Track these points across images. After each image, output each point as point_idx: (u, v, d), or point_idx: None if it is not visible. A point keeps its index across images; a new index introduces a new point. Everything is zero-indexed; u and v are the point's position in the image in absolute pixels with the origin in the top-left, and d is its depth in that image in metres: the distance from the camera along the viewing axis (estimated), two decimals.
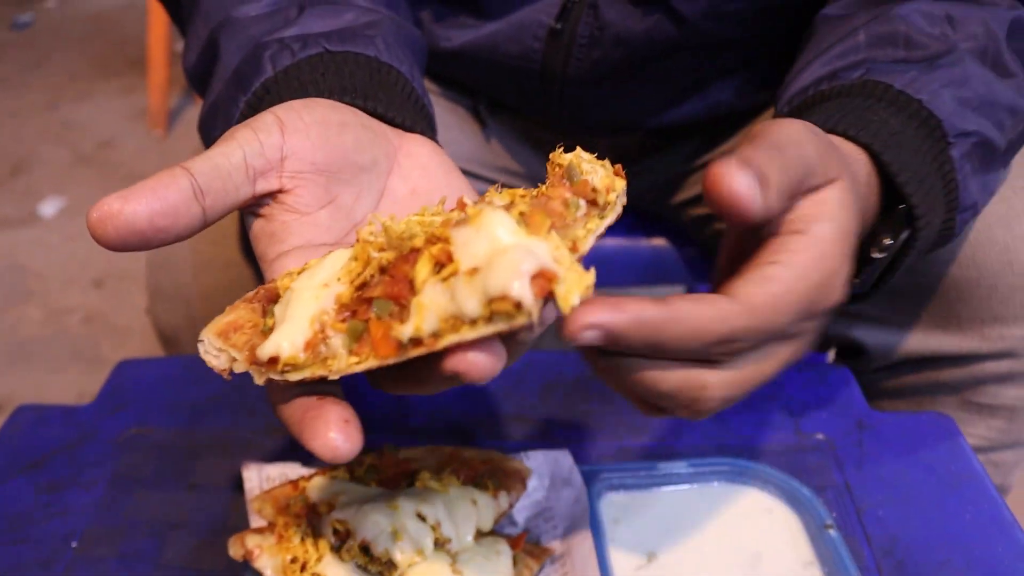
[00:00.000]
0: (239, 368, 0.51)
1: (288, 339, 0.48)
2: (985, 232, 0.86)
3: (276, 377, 0.49)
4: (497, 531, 0.73)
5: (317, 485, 0.71)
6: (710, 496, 0.77)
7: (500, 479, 0.74)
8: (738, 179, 0.49)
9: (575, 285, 0.42)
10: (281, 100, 0.68)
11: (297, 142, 0.59)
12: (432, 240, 0.46)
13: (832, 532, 0.74)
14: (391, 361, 0.46)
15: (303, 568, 0.66)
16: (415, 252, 0.46)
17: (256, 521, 0.73)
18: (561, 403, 0.87)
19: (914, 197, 0.64)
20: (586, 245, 0.48)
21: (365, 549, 0.65)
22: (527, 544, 0.72)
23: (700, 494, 0.78)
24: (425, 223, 0.49)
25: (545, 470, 0.77)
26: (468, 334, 0.43)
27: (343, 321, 0.48)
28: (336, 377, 0.48)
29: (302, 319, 0.48)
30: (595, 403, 0.87)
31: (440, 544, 0.68)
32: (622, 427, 0.84)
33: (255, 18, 0.74)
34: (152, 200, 0.50)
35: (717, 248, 1.14)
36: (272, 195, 0.59)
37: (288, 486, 0.73)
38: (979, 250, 0.87)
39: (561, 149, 0.53)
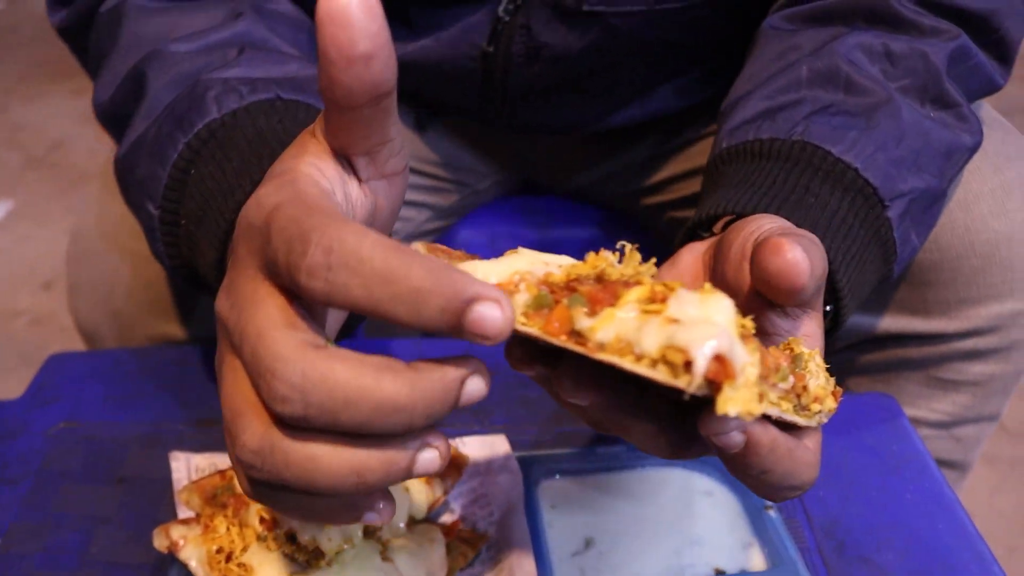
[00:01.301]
0: None
1: (485, 271, 0.49)
2: (946, 215, 0.86)
3: None
4: (432, 519, 0.72)
5: None
6: (649, 480, 0.76)
7: None
8: (797, 251, 0.51)
9: (743, 402, 0.42)
10: (231, 144, 0.66)
11: None
12: (660, 284, 0.46)
13: (772, 513, 0.73)
14: (549, 339, 0.46)
15: (228, 558, 0.64)
16: (638, 283, 0.46)
17: (184, 512, 0.71)
18: (499, 389, 0.85)
19: (842, 282, 0.65)
20: (767, 408, 0.48)
21: (292, 537, 0.63)
22: (462, 531, 0.71)
23: (639, 478, 0.76)
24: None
25: (481, 456, 0.76)
26: (626, 363, 0.43)
27: (538, 288, 0.48)
28: None
29: (508, 267, 0.49)
30: (533, 389, 0.85)
31: (370, 532, 0.66)
32: (561, 413, 0.83)
33: (188, 54, 0.72)
34: None
35: (671, 236, 1.15)
36: None
37: (216, 476, 0.71)
38: (941, 233, 0.87)
39: (802, 344, 0.54)
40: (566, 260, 0.51)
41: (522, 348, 0.53)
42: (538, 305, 0.47)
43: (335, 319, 0.54)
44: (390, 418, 0.41)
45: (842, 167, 0.68)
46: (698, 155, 1.09)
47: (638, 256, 0.49)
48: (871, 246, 0.68)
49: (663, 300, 0.44)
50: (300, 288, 0.41)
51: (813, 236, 0.58)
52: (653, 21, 0.91)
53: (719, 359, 0.41)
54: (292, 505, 0.47)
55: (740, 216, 0.65)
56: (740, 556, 0.71)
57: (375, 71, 0.44)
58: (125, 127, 0.74)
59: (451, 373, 0.42)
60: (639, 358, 0.43)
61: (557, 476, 0.76)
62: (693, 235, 0.70)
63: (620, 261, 0.49)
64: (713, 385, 0.41)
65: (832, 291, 0.66)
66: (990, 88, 0.80)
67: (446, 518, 0.73)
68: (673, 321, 0.43)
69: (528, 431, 0.81)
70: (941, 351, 0.93)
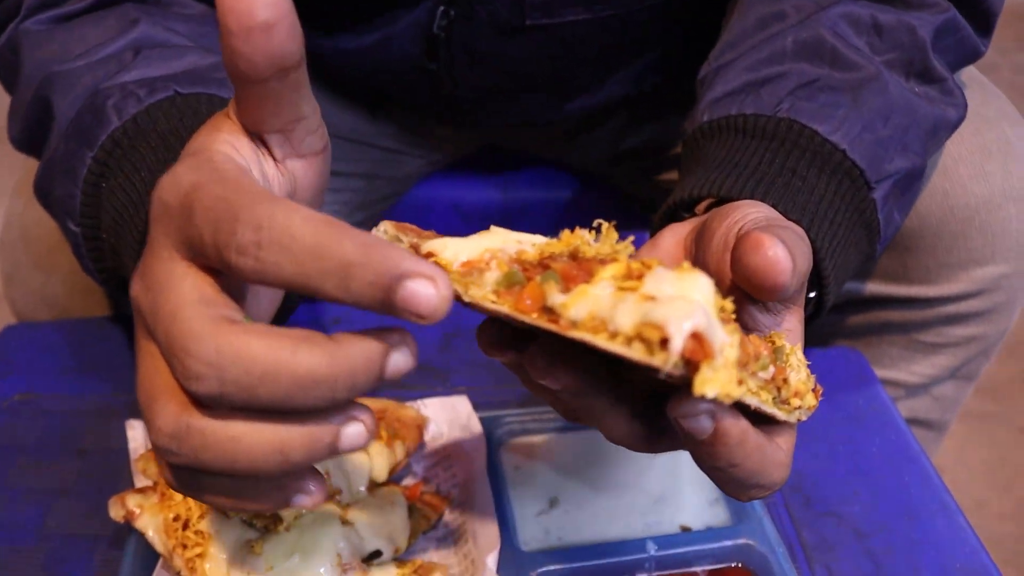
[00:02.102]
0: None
1: (456, 248, 0.48)
2: (924, 181, 0.85)
3: None
4: (395, 481, 0.71)
5: None
6: None
7: (395, 428, 0.71)
8: (779, 249, 0.50)
9: (720, 383, 0.40)
10: (136, 153, 0.64)
11: None
12: (636, 261, 0.45)
13: None
14: (520, 317, 0.44)
15: (185, 526, 0.63)
16: (613, 260, 0.45)
17: (141, 481, 0.70)
18: (462, 350, 0.85)
19: (828, 270, 0.64)
20: (745, 396, 0.46)
21: None
22: (425, 494, 0.70)
23: (603, 438, 0.75)
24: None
25: (443, 417, 0.75)
26: (600, 341, 0.42)
27: (510, 266, 0.47)
28: (465, 299, 0.46)
29: (479, 244, 0.48)
30: None
31: (330, 496, 0.65)
32: None
33: (86, 67, 0.69)
34: None
35: (649, 199, 1.13)
36: None
37: None
38: (921, 199, 0.86)
39: (784, 338, 0.52)
40: (540, 239, 0.49)
41: (493, 331, 0.51)
42: (509, 283, 0.45)
43: (270, 302, 0.52)
44: (311, 392, 0.39)
45: (829, 148, 0.66)
46: (677, 121, 1.07)
47: (615, 234, 0.48)
48: (855, 229, 0.67)
49: (639, 277, 0.43)
50: (229, 267, 0.40)
51: (798, 229, 0.57)
52: (597, 28, 0.90)
53: (697, 337, 0.39)
54: (216, 491, 0.45)
55: (724, 199, 0.64)
56: (706, 513, 0.71)
57: (277, 41, 0.43)
58: (42, 151, 0.72)
59: (373, 345, 0.40)
60: (613, 336, 0.41)
61: (521, 436, 0.76)
62: (673, 215, 0.68)
63: (596, 240, 0.48)
64: (690, 365, 0.40)
65: (817, 278, 0.64)
66: (974, 57, 0.79)
67: (408, 481, 0.72)
68: (649, 298, 0.41)
69: (491, 391, 0.80)
70: (923, 315, 0.92)
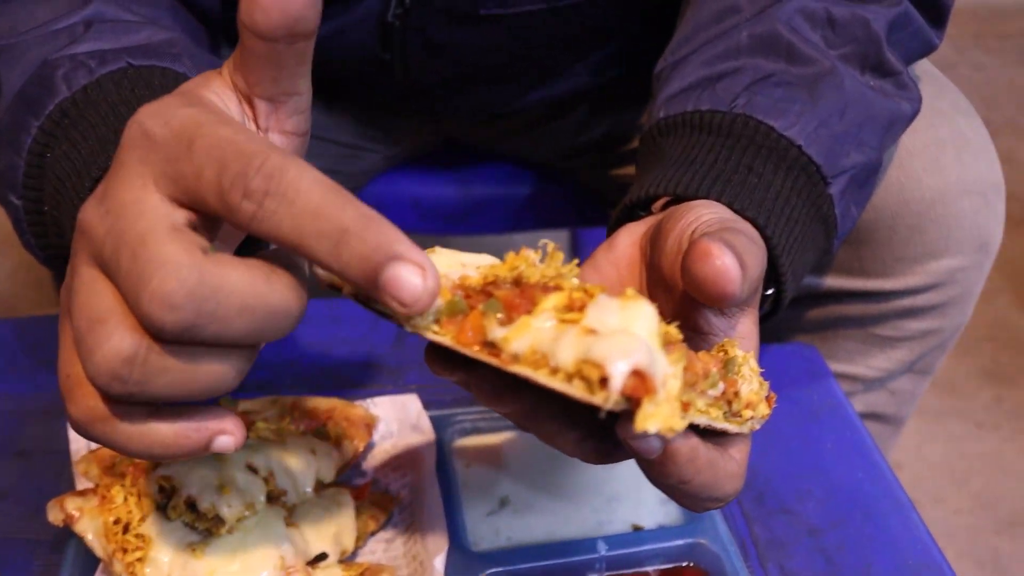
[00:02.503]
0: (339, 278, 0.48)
1: None
2: (880, 175, 0.85)
3: (362, 298, 0.47)
4: (343, 481, 0.70)
5: None
6: None
7: (343, 427, 0.70)
8: (727, 258, 0.49)
9: (663, 418, 0.40)
10: (85, 122, 0.62)
11: None
12: (579, 290, 0.44)
13: None
14: (460, 350, 0.44)
15: (126, 529, 0.61)
16: (557, 288, 0.44)
17: (81, 483, 0.68)
18: (415, 348, 0.83)
19: (785, 266, 0.63)
20: (693, 417, 0.46)
21: (192, 505, 0.61)
22: (373, 494, 0.69)
23: None
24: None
25: (393, 416, 0.74)
26: (540, 376, 0.41)
27: (453, 294, 0.46)
28: (407, 329, 0.46)
29: None
30: None
31: (275, 497, 0.64)
32: None
33: (35, 40, 0.67)
34: None
35: (609, 194, 1.12)
36: None
37: None
38: (876, 194, 0.86)
39: (737, 347, 0.52)
40: (486, 260, 0.49)
41: (440, 352, 0.50)
42: (452, 311, 0.45)
43: None
44: (280, 324, 0.41)
45: (785, 144, 0.65)
46: (636, 114, 1.06)
47: (560, 256, 0.47)
48: (812, 224, 0.66)
49: (581, 308, 0.42)
50: (230, 209, 0.39)
51: (751, 231, 0.57)
52: (554, 18, 0.89)
53: (638, 373, 0.39)
54: (132, 436, 0.44)
55: (680, 198, 0.63)
56: (658, 511, 0.70)
57: (298, 2, 0.43)
58: None
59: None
60: (555, 371, 0.41)
61: (472, 435, 0.75)
62: (631, 213, 0.67)
63: (543, 261, 0.47)
64: (632, 400, 0.40)
65: (774, 275, 0.63)
66: (928, 50, 0.79)
67: (357, 481, 0.71)
68: (591, 332, 0.41)
69: (442, 390, 0.79)
70: (879, 309, 0.92)
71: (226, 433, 0.45)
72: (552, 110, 1.09)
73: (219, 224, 0.45)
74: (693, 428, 0.48)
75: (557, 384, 0.41)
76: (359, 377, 0.80)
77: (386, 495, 0.69)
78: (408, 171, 1.20)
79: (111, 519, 0.62)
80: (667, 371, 0.41)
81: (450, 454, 0.72)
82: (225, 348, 0.41)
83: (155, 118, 0.42)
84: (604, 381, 0.39)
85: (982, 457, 1.89)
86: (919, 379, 1.01)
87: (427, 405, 0.75)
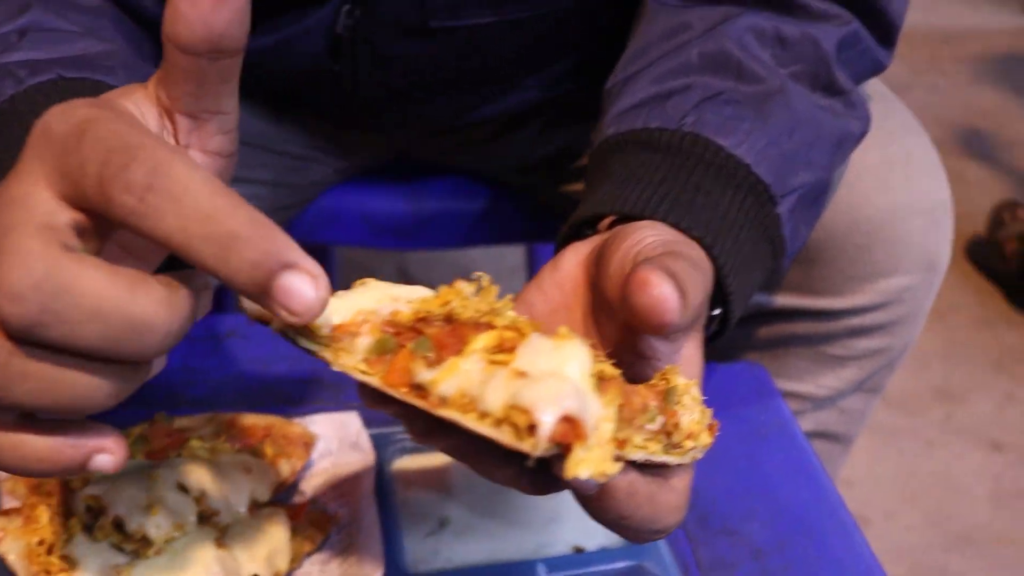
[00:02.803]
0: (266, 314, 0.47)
1: (328, 309, 0.44)
2: (829, 193, 0.85)
3: (290, 334, 0.46)
4: (280, 501, 0.68)
5: None
6: None
7: (281, 446, 0.69)
8: (665, 288, 0.47)
9: (595, 463, 0.39)
10: (9, 134, 0.59)
11: None
12: (511, 328, 0.43)
13: None
14: (389, 392, 0.43)
15: (50, 551, 0.59)
16: (489, 326, 0.43)
17: (9, 503, 0.66)
18: None
19: (732, 287, 0.62)
20: (630, 454, 0.45)
21: (119, 526, 0.59)
22: (311, 514, 0.67)
23: None
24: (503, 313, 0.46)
25: (332, 434, 0.72)
26: (468, 421, 0.40)
27: (382, 331, 0.45)
28: (334, 368, 0.45)
29: (352, 305, 0.46)
30: None
31: (207, 517, 0.62)
32: None
33: None
34: None
35: (561, 208, 1.11)
36: None
37: None
38: (826, 213, 0.85)
39: (679, 375, 0.50)
40: (418, 292, 0.47)
41: (373, 389, 0.49)
42: (381, 350, 0.44)
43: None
44: (142, 339, 0.38)
45: (734, 163, 0.64)
46: (590, 129, 1.06)
47: (494, 290, 0.46)
48: (760, 244, 0.66)
49: (512, 348, 0.41)
50: (110, 202, 0.37)
51: (695, 254, 0.56)
52: (504, 30, 0.87)
53: (568, 420, 0.38)
54: (4, 446, 0.42)
55: (627, 216, 0.62)
56: (600, 533, 0.69)
57: (222, 17, 0.41)
58: None
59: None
60: (483, 416, 0.40)
61: (413, 454, 0.73)
62: (578, 231, 0.66)
63: (477, 292, 0.46)
64: (562, 445, 0.39)
65: (721, 295, 0.63)
66: (876, 70, 0.78)
67: (295, 499, 0.69)
68: (521, 374, 0.40)
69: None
70: (829, 328, 0.92)
71: (106, 452, 0.43)
72: (504, 124, 1.08)
73: (110, 230, 0.43)
74: (631, 462, 0.47)
75: (485, 429, 0.40)
76: (298, 394, 0.79)
77: (324, 515, 0.67)
78: (359, 185, 1.19)
79: (35, 540, 0.60)
80: (599, 414, 0.40)
81: (390, 474, 0.71)
82: (95, 361, 0.39)
83: (57, 116, 0.41)
84: (533, 427, 0.38)
85: (933, 474, 1.90)
86: (869, 397, 1.01)
87: (367, 423, 0.73)
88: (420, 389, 0.42)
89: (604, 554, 0.66)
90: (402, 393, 0.43)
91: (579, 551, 0.67)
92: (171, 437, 0.68)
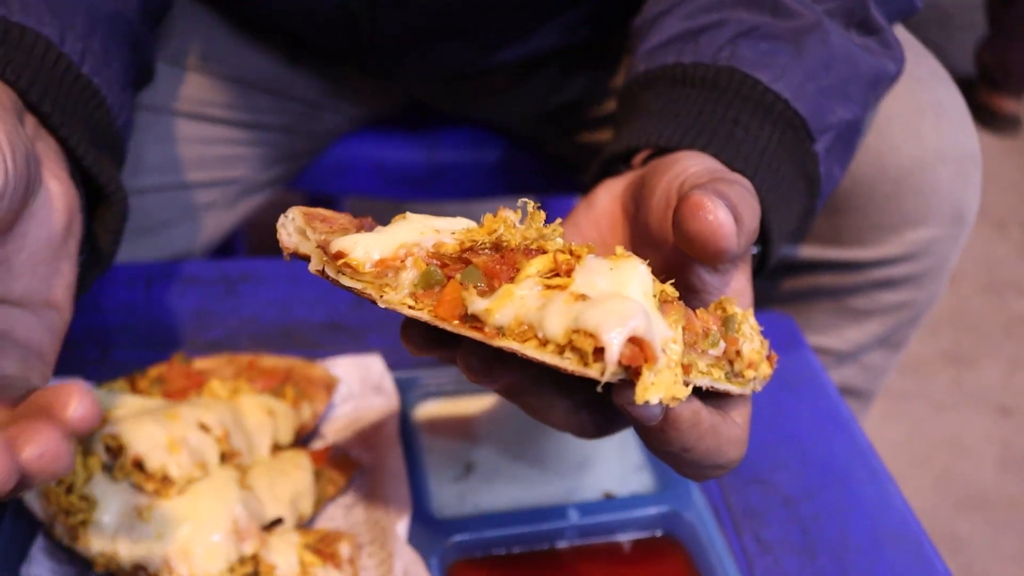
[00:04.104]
0: (304, 248, 0.45)
1: (367, 246, 0.43)
2: (861, 138, 0.82)
3: (331, 273, 0.44)
4: (301, 444, 0.66)
5: None
6: None
7: (302, 388, 0.67)
8: (720, 212, 0.46)
9: (665, 387, 0.37)
10: None
11: None
12: (565, 251, 0.41)
13: None
14: (440, 325, 0.41)
15: (69, 490, 0.58)
16: (541, 251, 0.41)
17: None
18: (377, 309, 0.79)
19: (772, 223, 0.61)
20: (695, 379, 0.43)
21: (140, 465, 0.57)
22: (333, 458, 0.65)
23: None
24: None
25: (354, 377, 0.70)
26: (529, 350, 0.39)
27: (427, 263, 0.42)
28: (380, 305, 0.43)
29: (393, 239, 0.44)
30: None
31: (228, 458, 0.60)
32: None
33: None
34: None
35: (580, 160, 1.09)
36: None
37: None
38: (854, 160, 0.83)
39: (735, 304, 0.49)
40: (461, 223, 0.45)
41: (418, 330, 0.47)
42: (427, 283, 0.42)
43: (64, 278, 0.51)
44: None
45: (771, 97, 0.63)
46: (604, 77, 1.03)
47: (542, 216, 0.43)
48: (798, 181, 0.64)
49: (568, 272, 0.40)
50: None
51: (744, 181, 0.53)
52: None
53: (635, 341, 0.37)
54: None
55: (662, 150, 0.60)
56: (631, 479, 0.67)
57: None
58: None
59: None
60: (544, 344, 0.38)
61: (437, 398, 0.71)
62: (609, 168, 0.64)
63: (522, 221, 0.44)
64: (631, 370, 0.37)
65: (761, 232, 0.60)
66: (911, 11, 0.76)
67: (316, 444, 0.68)
68: (580, 297, 0.38)
69: (405, 351, 0.75)
70: (854, 280, 0.90)
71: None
72: (521, 71, 1.06)
73: None
74: (694, 391, 0.45)
75: (548, 357, 0.38)
76: (318, 337, 0.77)
77: (346, 459, 0.66)
78: (373, 135, 1.16)
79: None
80: (666, 335, 0.39)
81: (414, 418, 0.69)
82: None
83: None
84: (599, 351, 0.37)
85: (942, 438, 1.89)
86: (890, 353, 0.99)
87: (391, 366, 0.72)
88: (474, 320, 0.40)
89: (635, 500, 0.65)
90: (455, 326, 0.40)
91: (609, 497, 0.65)
92: (190, 379, 0.66)
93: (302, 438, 0.67)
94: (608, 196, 0.60)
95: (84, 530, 0.56)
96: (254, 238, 1.43)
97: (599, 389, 0.38)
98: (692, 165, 0.54)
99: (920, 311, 0.94)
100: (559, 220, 0.45)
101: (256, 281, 0.83)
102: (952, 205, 0.86)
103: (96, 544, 0.56)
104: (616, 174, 0.62)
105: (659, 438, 0.45)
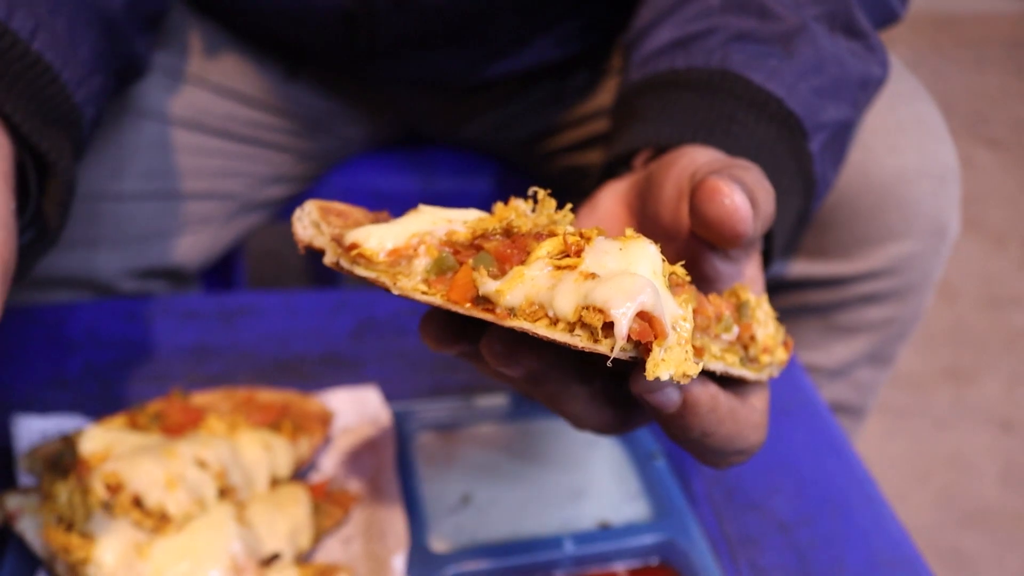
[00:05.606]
0: (318, 242, 0.47)
1: (380, 236, 0.44)
2: (849, 144, 0.84)
3: (345, 265, 0.45)
4: (298, 478, 0.67)
5: (90, 436, 0.63)
6: (530, 432, 0.72)
7: (299, 422, 0.67)
8: (737, 196, 0.47)
9: (675, 363, 0.37)
10: None
11: None
12: (575, 233, 0.41)
13: (659, 462, 0.70)
14: (453, 308, 0.41)
15: (69, 528, 0.58)
16: (551, 234, 0.41)
17: (26, 480, 0.64)
18: (375, 341, 0.81)
19: (775, 218, 0.60)
20: (709, 363, 0.44)
21: (139, 503, 0.58)
22: (331, 491, 0.66)
23: (520, 431, 0.72)
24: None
25: (351, 410, 0.71)
26: (539, 329, 0.39)
27: (440, 251, 0.43)
28: (394, 292, 0.43)
29: (406, 229, 0.45)
30: (411, 339, 0.81)
31: (226, 494, 0.61)
32: (438, 363, 0.78)
33: None
34: None
35: (570, 182, 1.10)
36: None
37: (61, 441, 0.65)
38: (840, 173, 0.84)
39: (748, 291, 0.50)
40: (473, 214, 0.46)
41: (438, 324, 0.47)
42: (440, 269, 0.42)
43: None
44: None
45: (765, 96, 0.64)
46: (595, 96, 1.04)
47: (552, 203, 0.44)
48: (795, 179, 0.65)
49: (578, 253, 0.40)
50: None
51: (756, 168, 0.54)
52: None
53: (644, 316, 0.37)
54: None
55: (663, 150, 0.61)
56: (627, 508, 0.68)
57: None
58: None
59: None
60: (555, 322, 0.38)
61: (433, 429, 0.72)
62: (610, 172, 0.65)
63: (534, 211, 0.44)
64: (641, 346, 0.37)
65: None
66: (891, 18, 0.78)
67: (314, 477, 0.68)
68: (590, 276, 0.38)
69: (404, 383, 0.76)
70: (840, 295, 0.91)
71: None
72: (515, 87, 1.07)
73: None
74: (710, 376, 0.45)
75: (558, 335, 0.38)
76: (316, 370, 0.77)
77: (344, 492, 0.66)
78: (369, 162, 1.17)
79: (53, 517, 0.59)
80: (676, 313, 0.39)
81: (411, 449, 0.70)
82: None
83: None
84: (609, 327, 0.37)
85: (943, 454, 1.89)
86: (879, 369, 1.00)
87: (387, 398, 0.72)
88: (486, 303, 0.40)
89: (631, 529, 0.65)
90: (467, 309, 0.41)
91: (605, 526, 0.66)
92: (188, 414, 0.67)
93: (300, 471, 0.67)
94: (611, 196, 0.61)
95: (84, 568, 0.57)
96: (254, 271, 1.44)
97: (608, 364, 0.38)
98: (701, 155, 0.55)
99: (906, 327, 0.95)
100: (569, 206, 0.45)
101: (254, 314, 0.83)
102: (933, 218, 0.88)
103: None
104: (616, 177, 0.63)
105: (679, 425, 0.46)
